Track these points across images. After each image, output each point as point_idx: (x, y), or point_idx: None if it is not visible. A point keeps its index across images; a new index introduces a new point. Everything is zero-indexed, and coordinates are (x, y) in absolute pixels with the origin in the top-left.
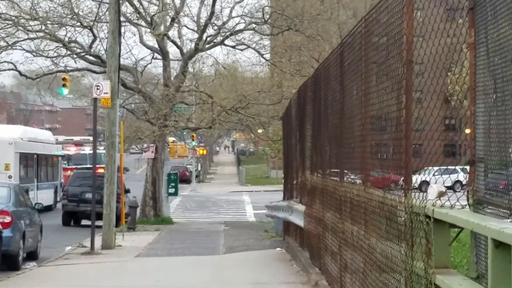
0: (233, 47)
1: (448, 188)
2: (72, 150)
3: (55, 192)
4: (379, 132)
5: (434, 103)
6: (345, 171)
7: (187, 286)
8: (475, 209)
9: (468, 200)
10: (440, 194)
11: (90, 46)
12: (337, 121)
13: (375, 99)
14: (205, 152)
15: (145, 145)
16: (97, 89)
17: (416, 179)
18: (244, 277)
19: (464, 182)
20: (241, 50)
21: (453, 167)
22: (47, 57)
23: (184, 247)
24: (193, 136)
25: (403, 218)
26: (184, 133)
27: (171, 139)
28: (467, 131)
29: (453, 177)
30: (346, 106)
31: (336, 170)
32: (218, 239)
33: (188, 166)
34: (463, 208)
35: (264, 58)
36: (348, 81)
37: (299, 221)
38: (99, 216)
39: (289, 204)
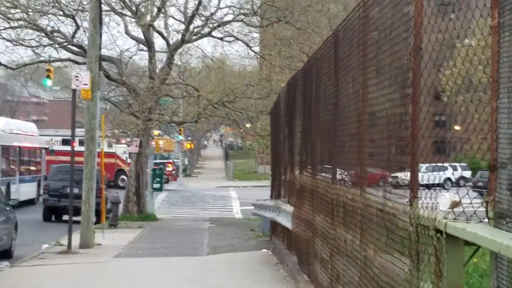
0: (221, 39)
1: (437, 185)
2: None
3: (38, 186)
4: (379, 130)
5: (424, 98)
6: (338, 172)
7: None
8: (496, 224)
9: (487, 213)
10: (454, 205)
11: (73, 36)
12: (330, 117)
13: (375, 93)
14: (192, 146)
15: (129, 139)
16: (77, 80)
17: (405, 176)
18: (226, 282)
19: (453, 180)
20: (229, 42)
21: (441, 164)
22: (28, 46)
23: (166, 247)
24: (180, 129)
25: (408, 231)
26: (172, 126)
27: (156, 132)
28: (457, 127)
29: (442, 174)
30: (340, 101)
31: (327, 170)
32: (202, 238)
33: (175, 160)
34: (481, 222)
35: (252, 51)
36: (343, 73)
37: (286, 222)
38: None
39: (277, 204)
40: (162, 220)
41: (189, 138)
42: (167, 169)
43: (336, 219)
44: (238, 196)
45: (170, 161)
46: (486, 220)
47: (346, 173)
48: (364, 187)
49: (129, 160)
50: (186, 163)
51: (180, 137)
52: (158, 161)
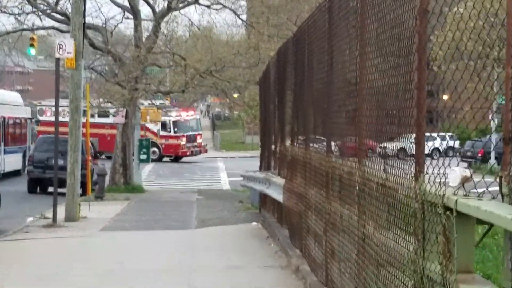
0: (208, 6)
1: (426, 156)
2: (172, 116)
3: (24, 157)
4: (379, 100)
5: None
6: (334, 143)
7: (152, 270)
8: (511, 201)
9: (501, 188)
10: (464, 180)
11: (57, 3)
12: (324, 86)
13: (375, 60)
14: None
15: (115, 110)
16: (60, 48)
17: (394, 147)
18: (216, 258)
19: (441, 150)
20: (217, 10)
21: (430, 134)
22: (10, 14)
23: (154, 219)
24: (167, 99)
25: (413, 208)
26: (159, 97)
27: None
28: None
29: (431, 145)
30: (336, 69)
31: (321, 141)
32: (190, 211)
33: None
34: (494, 199)
35: (240, 19)
36: (339, 39)
37: (277, 195)
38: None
39: (267, 176)
40: (149, 192)
41: (176, 108)
42: (198, 141)
43: (331, 193)
44: (225, 167)
45: (200, 132)
46: (499, 196)
47: (342, 144)
48: (362, 159)
49: (162, 132)
50: None
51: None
52: (189, 133)
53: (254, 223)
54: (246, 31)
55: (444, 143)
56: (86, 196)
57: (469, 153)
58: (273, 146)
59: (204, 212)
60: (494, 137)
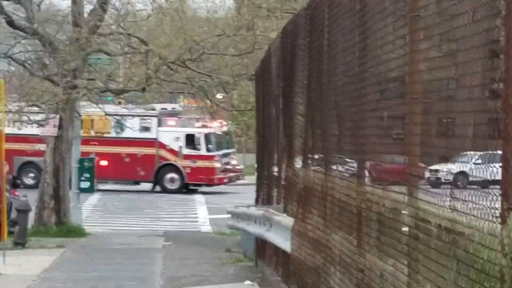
0: None
1: (494, 182)
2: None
3: None
4: (439, 100)
5: None
6: (368, 165)
7: None
8: None
9: None
10: None
11: None
12: (354, 82)
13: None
14: None
15: (43, 116)
16: None
17: (449, 169)
18: None
19: None
20: None
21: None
22: None
23: (99, 278)
24: (120, 101)
25: (499, 266)
26: (109, 98)
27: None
28: None
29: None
30: (372, 56)
31: (349, 163)
32: (153, 264)
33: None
34: None
35: None
36: (379, 12)
37: (282, 242)
38: None
39: (267, 214)
40: (93, 236)
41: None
42: (232, 162)
43: (365, 240)
44: (205, 200)
45: (234, 150)
46: None
47: (380, 167)
48: (414, 190)
49: (184, 151)
50: None
51: None
52: (221, 152)
53: (247, 283)
54: (236, 3)
55: None
56: (0, 243)
57: None
58: (275, 170)
59: (174, 266)
60: None
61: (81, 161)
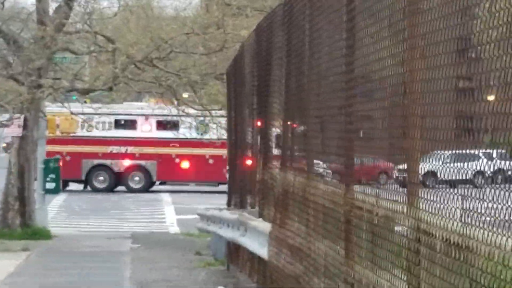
0: None
1: (464, 182)
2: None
3: None
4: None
5: None
6: (356, 167)
7: None
8: None
9: None
10: None
11: None
12: (341, 78)
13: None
14: None
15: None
16: None
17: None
18: None
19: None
20: None
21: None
22: None
23: (66, 283)
24: (86, 101)
25: None
26: (74, 97)
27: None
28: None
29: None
30: (361, 51)
31: (336, 165)
32: (122, 268)
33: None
34: None
35: None
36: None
37: (258, 247)
38: None
39: (241, 218)
40: (59, 238)
41: None
42: None
43: (354, 250)
44: (172, 200)
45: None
46: None
47: (371, 170)
48: (413, 197)
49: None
50: None
51: None
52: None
53: None
54: (202, 1)
55: (492, 164)
56: None
57: None
58: (249, 171)
59: (143, 271)
60: None
61: (46, 162)
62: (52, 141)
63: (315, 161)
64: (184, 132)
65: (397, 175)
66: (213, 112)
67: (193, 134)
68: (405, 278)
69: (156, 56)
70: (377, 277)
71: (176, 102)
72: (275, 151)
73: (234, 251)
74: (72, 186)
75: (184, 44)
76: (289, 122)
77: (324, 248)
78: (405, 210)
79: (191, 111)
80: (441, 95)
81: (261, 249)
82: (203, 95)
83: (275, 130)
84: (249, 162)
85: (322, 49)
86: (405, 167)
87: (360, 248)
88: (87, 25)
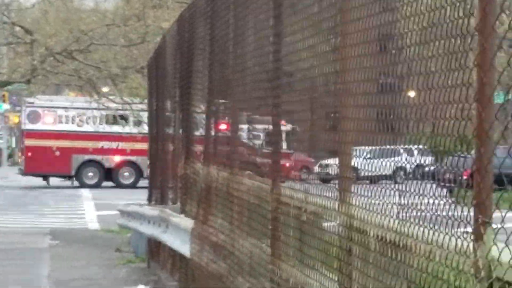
0: None
1: (386, 177)
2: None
3: None
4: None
5: None
6: (286, 161)
7: None
8: None
9: None
10: None
11: None
12: (269, 72)
13: None
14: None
15: None
16: None
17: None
18: None
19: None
20: None
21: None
22: None
23: None
24: (3, 94)
25: None
26: None
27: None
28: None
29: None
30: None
31: (263, 161)
32: (40, 266)
33: None
34: None
35: None
36: None
37: (181, 245)
38: None
39: (163, 214)
40: None
41: (18, 108)
42: None
43: (280, 247)
44: (92, 196)
45: None
46: None
47: (302, 164)
48: (346, 193)
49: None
50: (13, 145)
51: (3, 106)
52: None
53: (141, 287)
54: None
55: (413, 159)
56: None
57: (448, 175)
58: (171, 166)
59: (62, 268)
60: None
61: None
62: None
63: (241, 155)
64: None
65: (318, 170)
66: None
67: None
68: (336, 279)
69: (75, 48)
70: (306, 276)
71: (96, 96)
72: (198, 145)
73: (155, 248)
74: None
75: (105, 36)
76: (213, 116)
77: (249, 246)
78: (336, 206)
79: (112, 104)
80: (364, 89)
81: (183, 247)
82: (123, 88)
83: (198, 124)
84: (170, 156)
85: (247, 39)
86: (336, 161)
87: (288, 246)
88: (5, 16)
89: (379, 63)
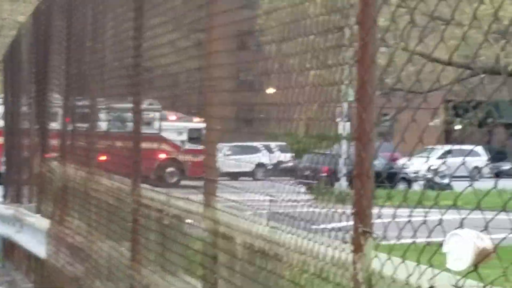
0: None
1: (244, 174)
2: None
3: None
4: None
5: None
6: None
7: None
8: None
9: None
10: (481, 257)
11: None
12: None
13: None
14: None
15: None
16: None
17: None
18: None
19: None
20: None
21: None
22: None
23: None
24: None
25: None
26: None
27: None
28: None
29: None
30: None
31: (125, 160)
32: None
33: None
34: None
35: None
36: None
37: (36, 245)
38: None
39: (17, 214)
40: None
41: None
42: None
43: (141, 252)
44: None
45: None
46: None
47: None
48: (210, 196)
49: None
50: None
51: None
52: None
53: None
54: None
55: (273, 156)
56: None
57: (308, 172)
58: (27, 164)
59: None
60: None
61: None
62: None
63: (99, 154)
64: None
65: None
66: None
67: None
68: (199, 286)
69: None
70: (168, 283)
71: None
72: (55, 143)
73: (10, 247)
74: None
75: None
76: (68, 112)
77: (107, 249)
78: (200, 210)
79: None
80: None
81: (39, 247)
82: None
83: (55, 120)
84: (26, 153)
85: (106, 33)
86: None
87: (149, 251)
88: None
89: (241, 60)
